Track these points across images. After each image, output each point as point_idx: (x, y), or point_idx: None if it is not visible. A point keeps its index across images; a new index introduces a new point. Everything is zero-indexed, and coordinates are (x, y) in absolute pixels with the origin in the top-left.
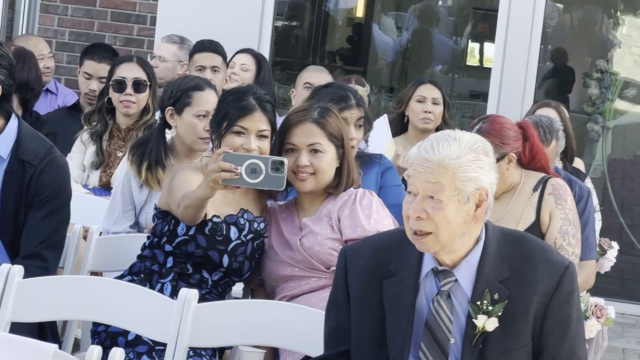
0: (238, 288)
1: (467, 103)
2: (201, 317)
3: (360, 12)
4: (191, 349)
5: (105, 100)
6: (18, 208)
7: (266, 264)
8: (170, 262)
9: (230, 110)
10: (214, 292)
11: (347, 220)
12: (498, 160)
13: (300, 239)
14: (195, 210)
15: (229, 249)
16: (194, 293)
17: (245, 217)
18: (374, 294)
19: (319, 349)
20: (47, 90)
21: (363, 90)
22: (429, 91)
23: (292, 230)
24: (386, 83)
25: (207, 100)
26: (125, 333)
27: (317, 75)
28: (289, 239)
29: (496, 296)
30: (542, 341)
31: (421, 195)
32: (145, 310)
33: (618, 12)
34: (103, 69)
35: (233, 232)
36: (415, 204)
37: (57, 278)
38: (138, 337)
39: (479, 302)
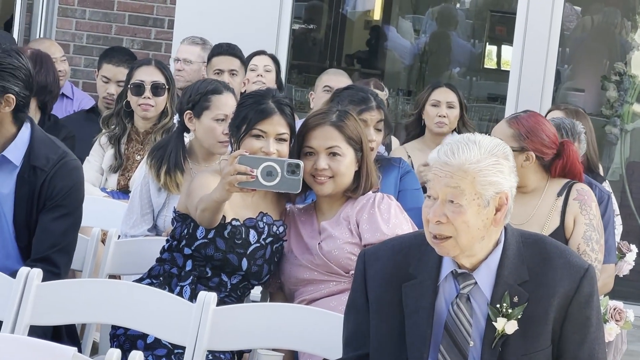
0: (256, 291)
1: (485, 106)
2: (220, 320)
3: (377, 15)
4: (210, 352)
5: (124, 103)
6: (30, 213)
7: (285, 268)
8: (189, 265)
9: (250, 114)
10: (233, 295)
11: (366, 224)
12: (514, 150)
13: (319, 243)
14: (212, 213)
15: (248, 252)
16: (212, 296)
17: (265, 220)
18: (393, 297)
19: (337, 353)
20: (63, 94)
21: (382, 94)
22: (443, 95)
23: (311, 234)
24: (404, 86)
25: (226, 104)
26: (144, 336)
27: (336, 79)
28: (308, 243)
29: (515, 299)
30: (562, 344)
31: (441, 200)
32: (164, 313)
33: (636, 15)
34: (121, 72)
35: (252, 235)
36: (435, 208)
37: (76, 281)
38: (157, 340)
39: (498, 305)
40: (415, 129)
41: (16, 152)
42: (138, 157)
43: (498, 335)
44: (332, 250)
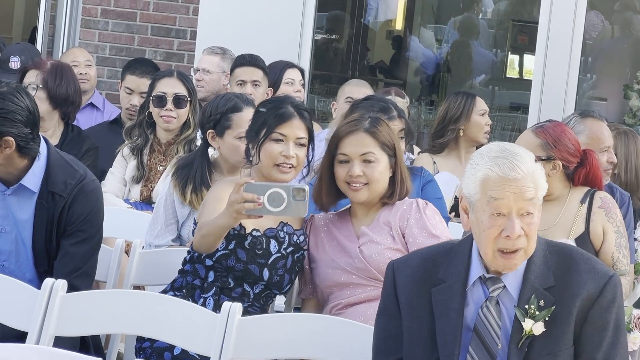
0: (280, 301)
1: (507, 115)
2: (245, 330)
3: (399, 25)
4: None
5: (146, 114)
6: (50, 239)
7: (321, 271)
8: (211, 276)
9: (269, 118)
10: (256, 305)
11: (415, 229)
12: (542, 160)
13: (359, 247)
14: (215, 238)
15: (269, 263)
16: (237, 306)
17: (285, 230)
18: (424, 301)
19: None
20: (94, 105)
21: (403, 102)
22: (484, 104)
23: (349, 238)
24: (426, 96)
25: (247, 121)
26: (171, 348)
27: (359, 90)
28: (346, 246)
29: (542, 303)
30: (580, 345)
31: (515, 214)
32: (188, 324)
33: None
34: (144, 84)
35: (273, 245)
36: (513, 223)
37: (100, 292)
38: (184, 352)
39: (526, 306)
40: (453, 141)
41: (33, 179)
42: (160, 168)
43: (525, 336)
44: (372, 255)
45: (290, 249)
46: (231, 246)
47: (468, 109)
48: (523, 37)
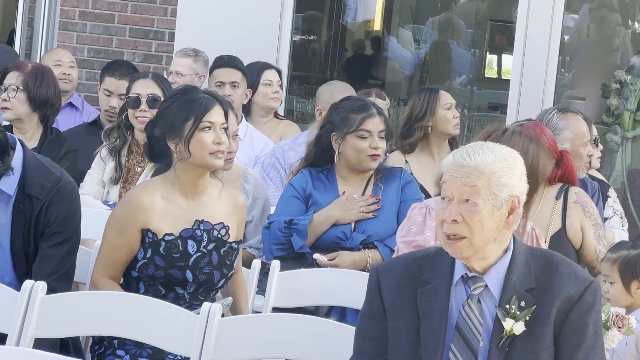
0: (260, 301)
1: (486, 115)
2: (225, 331)
3: (377, 26)
4: None
5: (124, 116)
6: (28, 242)
7: None
8: (142, 287)
9: (192, 110)
10: (195, 303)
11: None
12: None
13: None
14: None
15: (190, 264)
16: (217, 307)
17: (202, 227)
18: (408, 302)
19: None
20: (73, 105)
21: (383, 104)
22: (449, 97)
23: None
24: (405, 96)
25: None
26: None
27: (345, 93)
28: None
29: (523, 303)
30: (559, 347)
31: (457, 199)
32: (168, 325)
33: (636, 23)
34: (123, 85)
35: (191, 245)
36: (451, 207)
37: (80, 294)
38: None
39: (507, 306)
40: (422, 139)
41: (9, 183)
42: (138, 169)
43: (506, 335)
44: None
45: (212, 245)
46: (148, 255)
47: (432, 104)
48: (501, 37)
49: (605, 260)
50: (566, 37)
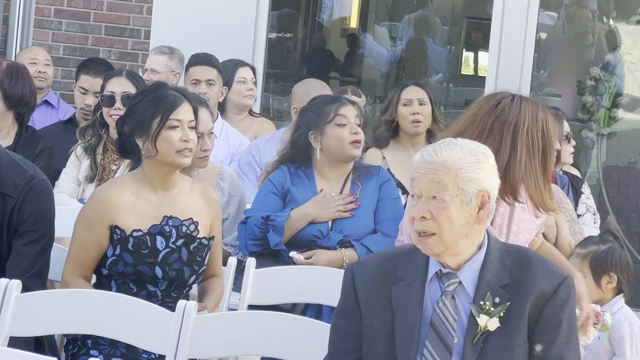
0: (235, 299)
1: (463, 112)
2: (201, 328)
3: (354, 23)
4: None
5: (99, 114)
6: (1, 240)
7: None
8: (114, 286)
9: (159, 107)
10: (168, 301)
11: None
12: None
13: None
14: None
15: (159, 260)
16: (193, 304)
17: (171, 223)
18: (383, 299)
19: None
20: (48, 103)
21: (359, 101)
22: (413, 93)
23: None
24: (381, 93)
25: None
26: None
27: (320, 91)
28: None
29: (497, 300)
30: (533, 343)
31: (425, 196)
32: (144, 323)
33: (611, 20)
34: (99, 83)
35: (159, 241)
36: (420, 204)
37: (55, 292)
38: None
39: (481, 302)
40: (388, 132)
41: None
42: (114, 167)
43: (480, 332)
44: None
45: (181, 241)
46: (117, 252)
47: (395, 99)
48: (477, 34)
49: (575, 255)
50: (542, 35)
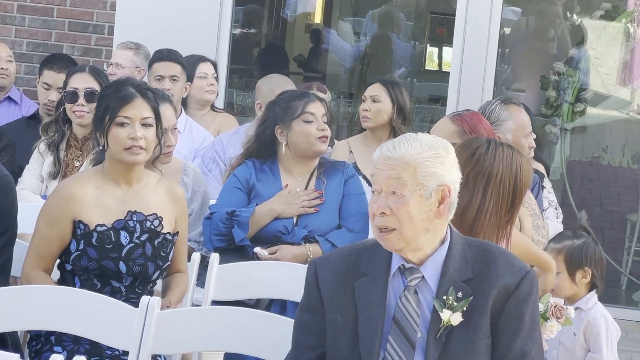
0: (199, 295)
1: (427, 107)
2: (164, 324)
3: (318, 18)
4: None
5: (61, 110)
6: None
7: None
8: (77, 282)
9: (111, 102)
10: (132, 297)
11: None
12: None
13: None
14: None
15: (123, 255)
16: (156, 300)
17: (135, 218)
18: (346, 294)
19: (282, 356)
20: (11, 99)
21: (324, 97)
22: (370, 90)
23: None
24: (345, 89)
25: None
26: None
27: (285, 86)
28: None
29: (460, 294)
30: (497, 336)
31: (385, 192)
32: (107, 319)
33: (575, 15)
34: (62, 79)
35: (124, 236)
36: (379, 200)
37: (18, 288)
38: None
39: (444, 297)
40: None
41: None
42: (77, 163)
43: (443, 326)
44: None
45: (145, 236)
46: (81, 246)
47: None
48: (442, 29)
49: (549, 250)
50: (506, 30)
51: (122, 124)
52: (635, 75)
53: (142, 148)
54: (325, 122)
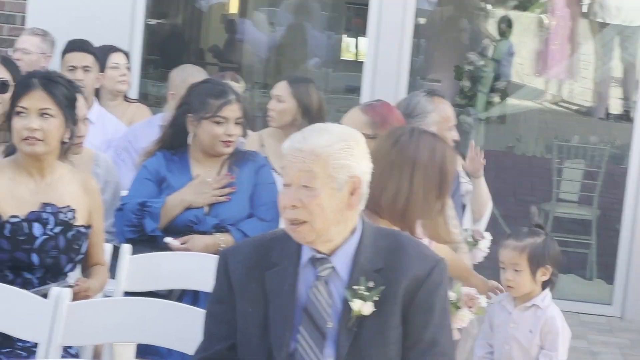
0: (112, 286)
1: (343, 97)
2: (75, 315)
3: (233, 8)
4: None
5: None
6: None
7: None
8: None
9: (14, 93)
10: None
11: None
12: (369, 138)
13: None
14: None
15: (36, 247)
16: (66, 292)
17: (48, 210)
18: (257, 285)
19: (194, 346)
20: None
21: (238, 87)
22: (275, 89)
23: None
24: (260, 79)
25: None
26: None
27: (198, 77)
28: None
29: (371, 284)
30: (407, 326)
31: (295, 185)
32: (16, 311)
33: (489, 5)
34: None
35: (37, 228)
36: (290, 193)
37: None
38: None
39: (355, 287)
40: None
41: None
42: None
43: (354, 316)
44: None
45: (59, 228)
46: None
47: None
48: (358, 20)
49: (512, 248)
50: (421, 20)
51: (19, 114)
52: (549, 65)
53: (38, 139)
54: (238, 124)
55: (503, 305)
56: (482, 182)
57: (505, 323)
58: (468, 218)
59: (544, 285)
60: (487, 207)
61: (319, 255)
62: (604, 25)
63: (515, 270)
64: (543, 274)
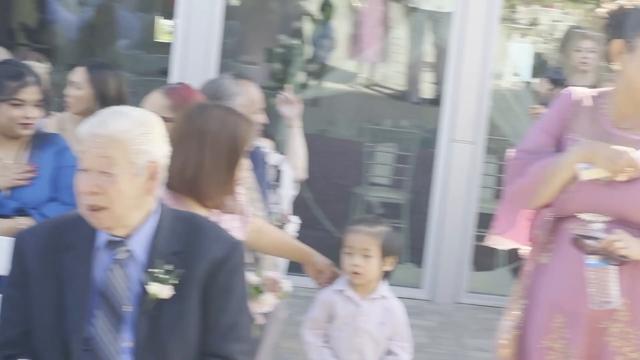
0: None
1: (154, 80)
2: None
3: None
4: None
5: None
6: None
7: None
8: None
9: None
10: None
11: None
12: (170, 121)
13: None
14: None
15: None
16: None
17: None
18: (52, 268)
19: None
20: None
21: (41, 68)
22: (73, 74)
23: None
24: (71, 60)
25: None
26: None
27: (0, 56)
28: None
29: (170, 267)
30: (206, 310)
31: (94, 170)
32: None
33: None
34: None
35: None
36: (88, 178)
37: None
38: None
39: (152, 270)
40: None
41: None
42: None
43: (152, 300)
44: None
45: None
46: None
47: None
48: (171, 1)
49: (365, 233)
50: (234, 2)
51: None
52: (361, 48)
53: None
54: (37, 106)
55: (347, 296)
56: (298, 133)
57: (353, 315)
58: (288, 186)
59: (384, 276)
60: (304, 159)
61: (115, 239)
62: (415, 9)
63: (365, 256)
64: (390, 264)
